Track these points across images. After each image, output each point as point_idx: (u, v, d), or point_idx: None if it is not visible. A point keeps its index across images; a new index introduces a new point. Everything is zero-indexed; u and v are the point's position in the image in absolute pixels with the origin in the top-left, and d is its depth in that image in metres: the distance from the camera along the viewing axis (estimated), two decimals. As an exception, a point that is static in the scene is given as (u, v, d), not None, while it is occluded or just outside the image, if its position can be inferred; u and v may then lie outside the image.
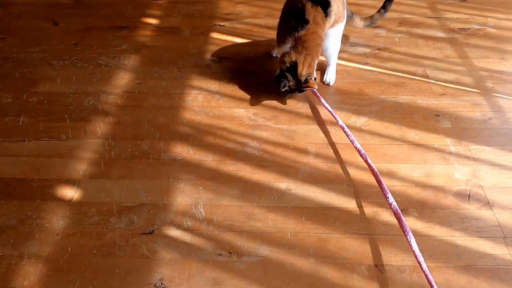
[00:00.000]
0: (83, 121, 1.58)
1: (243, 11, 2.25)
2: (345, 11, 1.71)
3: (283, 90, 1.58)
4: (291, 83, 1.57)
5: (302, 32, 1.56)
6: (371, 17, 1.88)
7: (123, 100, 1.68)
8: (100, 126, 1.55)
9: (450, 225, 1.21)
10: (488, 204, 1.26)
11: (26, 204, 1.29)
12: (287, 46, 1.59)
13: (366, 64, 1.84)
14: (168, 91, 1.72)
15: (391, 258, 1.13)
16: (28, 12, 2.30)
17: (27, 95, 1.71)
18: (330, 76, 1.74)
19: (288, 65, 1.57)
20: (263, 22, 2.15)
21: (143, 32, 2.10)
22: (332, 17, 1.63)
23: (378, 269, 1.10)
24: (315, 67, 1.62)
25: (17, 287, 1.08)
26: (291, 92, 1.62)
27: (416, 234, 1.17)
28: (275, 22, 1.99)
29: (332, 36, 1.67)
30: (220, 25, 2.13)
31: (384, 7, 1.86)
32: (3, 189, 1.33)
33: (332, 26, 1.65)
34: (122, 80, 1.79)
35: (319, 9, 1.58)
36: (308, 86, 1.58)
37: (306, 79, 1.57)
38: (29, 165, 1.42)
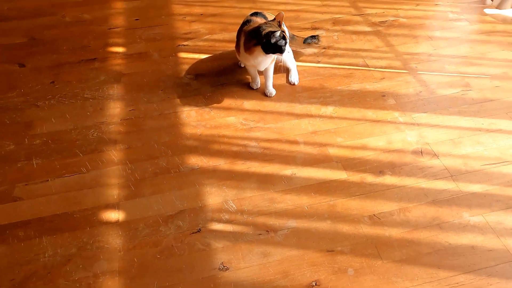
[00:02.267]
0: (95, 153, 1.73)
1: (199, 29, 2.48)
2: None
3: (283, 43, 1.74)
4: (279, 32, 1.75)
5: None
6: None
7: (124, 127, 1.86)
8: (114, 154, 1.73)
9: (414, 175, 1.65)
10: (435, 155, 1.72)
11: (78, 233, 1.45)
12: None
13: (318, 62, 2.22)
14: (162, 112, 1.93)
15: (382, 207, 1.53)
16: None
17: (28, 138, 1.80)
18: (294, 77, 2.09)
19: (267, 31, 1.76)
20: (221, 37, 2.42)
21: (114, 61, 2.24)
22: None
23: (376, 217, 1.49)
24: None
25: (105, 299, 1.27)
26: (285, 43, 1.76)
27: (393, 187, 1.59)
28: (231, 35, 2.28)
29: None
30: (184, 45, 2.35)
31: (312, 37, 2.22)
32: (49, 226, 1.47)
33: None
34: (115, 109, 1.95)
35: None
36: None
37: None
38: (64, 200, 1.56)
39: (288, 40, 1.80)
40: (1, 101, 1.98)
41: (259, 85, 2.07)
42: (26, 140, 1.81)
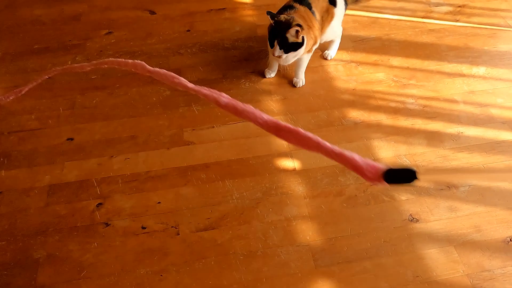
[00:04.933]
0: (253, 102, 1.73)
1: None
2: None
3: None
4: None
5: None
6: None
7: (273, 79, 1.83)
8: (272, 105, 1.72)
9: None
10: None
11: (259, 179, 1.48)
12: None
13: (457, 20, 2.13)
14: (308, 66, 1.89)
15: None
16: (114, 4, 2.26)
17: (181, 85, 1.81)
18: (333, 51, 1.89)
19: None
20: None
21: (245, 12, 2.20)
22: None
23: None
24: None
25: (304, 241, 1.31)
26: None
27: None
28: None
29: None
30: None
31: None
32: (229, 170, 1.50)
33: None
34: (260, 60, 1.93)
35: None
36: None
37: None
38: (235, 146, 1.58)
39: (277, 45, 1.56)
40: (144, 48, 1.99)
41: (273, 75, 1.80)
42: (179, 87, 1.83)
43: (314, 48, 1.76)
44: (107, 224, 1.37)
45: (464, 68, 1.89)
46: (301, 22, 1.61)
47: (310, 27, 1.66)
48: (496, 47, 2.00)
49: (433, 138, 1.62)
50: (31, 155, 1.56)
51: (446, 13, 2.20)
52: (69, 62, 1.92)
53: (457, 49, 2.00)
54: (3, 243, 1.31)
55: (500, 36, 2.06)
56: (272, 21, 1.60)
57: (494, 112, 1.72)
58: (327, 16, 1.76)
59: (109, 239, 1.33)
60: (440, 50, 1.99)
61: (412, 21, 2.15)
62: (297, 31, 1.57)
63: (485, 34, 2.08)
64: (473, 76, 1.86)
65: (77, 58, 1.94)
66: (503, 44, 2.01)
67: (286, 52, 1.61)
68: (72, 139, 1.62)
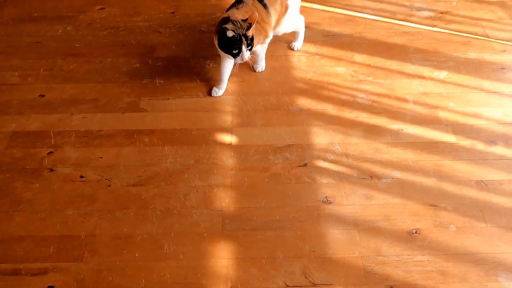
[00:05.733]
0: (211, 81, 1.85)
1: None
2: None
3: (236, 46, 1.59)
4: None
5: None
6: None
7: (237, 62, 1.96)
8: (229, 85, 1.83)
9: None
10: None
11: (195, 148, 1.59)
12: None
13: (434, 26, 2.14)
14: (273, 53, 1.98)
15: (491, 175, 1.48)
16: (114, -17, 2.46)
17: (152, 60, 1.96)
18: (299, 42, 1.95)
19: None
20: (334, -11, 2.41)
21: (229, 1, 2.32)
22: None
23: (483, 183, 1.47)
24: None
25: (219, 207, 1.41)
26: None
27: (506, 158, 1.53)
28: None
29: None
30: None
31: None
32: (171, 138, 1.63)
33: None
34: (229, 45, 2.05)
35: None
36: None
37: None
38: (183, 118, 1.71)
39: (244, 47, 1.58)
40: (128, 24, 2.16)
41: (220, 93, 1.76)
42: (149, 61, 1.97)
43: (267, 40, 1.81)
44: (51, 170, 1.53)
45: (426, 71, 1.90)
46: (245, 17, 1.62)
47: (258, 22, 1.70)
48: (466, 54, 1.99)
49: (372, 132, 1.66)
50: (5, 105, 1.75)
51: (426, 18, 2.20)
52: (60, 31, 2.13)
53: (425, 53, 2.00)
54: (-38, 174, 1.52)
55: (473, 44, 2.04)
56: (232, 34, 1.57)
57: (442, 114, 1.72)
58: (281, 8, 1.81)
59: (50, 182, 1.49)
60: (407, 52, 2.01)
61: (389, 22, 2.18)
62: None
63: (459, 41, 2.07)
64: (432, 79, 1.86)
65: (68, 28, 2.15)
66: (473, 52, 2.00)
67: (250, 50, 1.64)
68: (43, 95, 1.80)
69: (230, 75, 1.84)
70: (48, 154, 1.58)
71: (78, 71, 1.92)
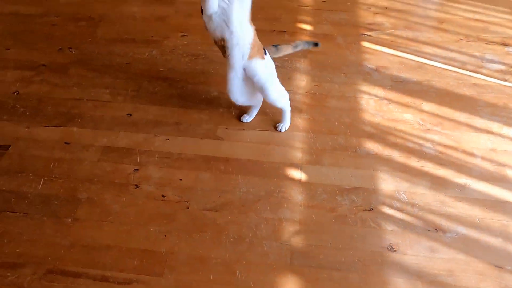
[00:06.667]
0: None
1: (383, 22, 2.56)
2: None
3: None
4: None
5: None
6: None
7: (308, 99, 2.06)
8: (299, 122, 1.94)
9: None
10: None
11: (267, 180, 1.70)
12: None
13: (505, 80, 2.15)
14: (343, 94, 2.08)
15: None
16: (196, 12, 2.65)
17: (228, 90, 2.11)
18: (285, 123, 1.86)
19: None
20: (404, 34, 2.47)
21: (302, 38, 2.45)
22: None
23: (551, 250, 1.48)
24: None
25: (288, 241, 1.51)
26: None
27: None
28: (415, 34, 2.32)
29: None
30: (367, 35, 2.46)
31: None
32: (244, 168, 1.75)
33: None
34: (301, 81, 2.16)
35: None
36: None
37: None
38: (256, 149, 1.82)
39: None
40: (208, 52, 2.33)
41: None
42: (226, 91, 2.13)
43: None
44: (137, 186, 1.68)
45: (495, 126, 1.92)
46: None
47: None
48: (538, 113, 1.99)
49: (438, 183, 1.70)
50: (98, 120, 1.95)
51: (497, 71, 2.21)
52: (146, 54, 2.33)
53: (494, 107, 2.02)
54: (61, 181, 1.70)
55: (546, 103, 2.04)
56: None
57: (510, 173, 1.73)
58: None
59: (135, 197, 1.64)
60: (476, 104, 2.03)
61: (458, 72, 2.22)
62: None
63: (531, 98, 2.07)
64: (501, 136, 1.88)
65: (153, 52, 2.34)
66: (546, 111, 2.00)
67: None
68: (130, 114, 1.98)
69: (301, 112, 1.94)
70: (134, 171, 1.74)
71: (161, 94, 2.10)
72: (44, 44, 2.39)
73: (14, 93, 2.09)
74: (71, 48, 2.36)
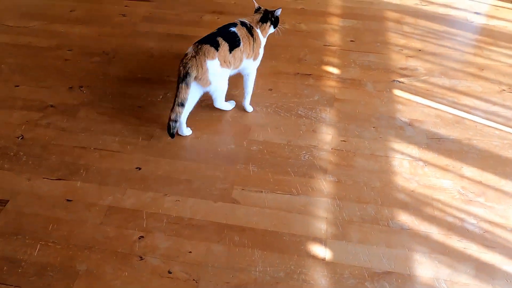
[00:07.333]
0: (306, 177, 1.78)
1: (416, 67, 2.37)
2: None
3: None
4: None
5: None
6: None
7: (334, 157, 1.87)
8: (324, 184, 1.76)
9: None
10: None
11: (286, 258, 1.51)
12: None
13: (557, 142, 1.93)
14: (373, 152, 1.89)
15: None
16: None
17: (247, 142, 1.94)
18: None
19: None
20: (440, 82, 2.27)
21: (328, 82, 2.27)
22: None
23: None
24: None
25: None
26: None
27: None
28: (452, 82, 2.12)
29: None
30: (399, 81, 2.27)
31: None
32: (261, 240, 1.56)
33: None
34: (327, 135, 1.97)
35: None
36: None
37: None
38: (275, 217, 1.64)
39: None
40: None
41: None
42: (244, 143, 1.95)
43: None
44: (141, 258, 1.51)
45: (547, 199, 1.70)
46: None
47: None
48: None
49: (484, 271, 1.48)
50: (105, 173, 1.80)
51: (545, 129, 2.00)
52: (160, 97, 2.19)
53: (545, 175, 1.80)
54: (59, 247, 1.54)
55: None
56: None
57: None
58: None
59: (138, 272, 1.47)
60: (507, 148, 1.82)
61: (503, 130, 2.00)
62: None
63: None
64: (555, 211, 1.66)
65: (168, 94, 2.20)
66: None
67: None
68: (139, 168, 1.83)
69: (326, 172, 1.74)
70: (139, 238, 1.58)
71: (174, 145, 1.93)
72: (54, 81, 2.28)
73: (18, 137, 1.97)
74: (81, 87, 2.24)
